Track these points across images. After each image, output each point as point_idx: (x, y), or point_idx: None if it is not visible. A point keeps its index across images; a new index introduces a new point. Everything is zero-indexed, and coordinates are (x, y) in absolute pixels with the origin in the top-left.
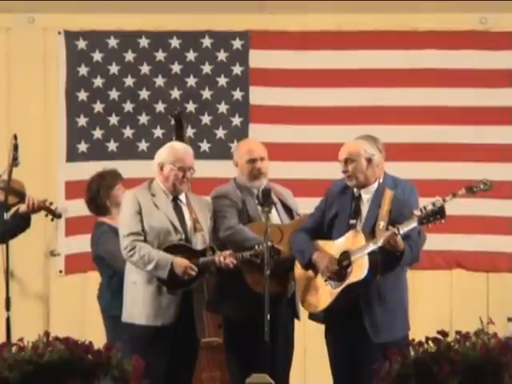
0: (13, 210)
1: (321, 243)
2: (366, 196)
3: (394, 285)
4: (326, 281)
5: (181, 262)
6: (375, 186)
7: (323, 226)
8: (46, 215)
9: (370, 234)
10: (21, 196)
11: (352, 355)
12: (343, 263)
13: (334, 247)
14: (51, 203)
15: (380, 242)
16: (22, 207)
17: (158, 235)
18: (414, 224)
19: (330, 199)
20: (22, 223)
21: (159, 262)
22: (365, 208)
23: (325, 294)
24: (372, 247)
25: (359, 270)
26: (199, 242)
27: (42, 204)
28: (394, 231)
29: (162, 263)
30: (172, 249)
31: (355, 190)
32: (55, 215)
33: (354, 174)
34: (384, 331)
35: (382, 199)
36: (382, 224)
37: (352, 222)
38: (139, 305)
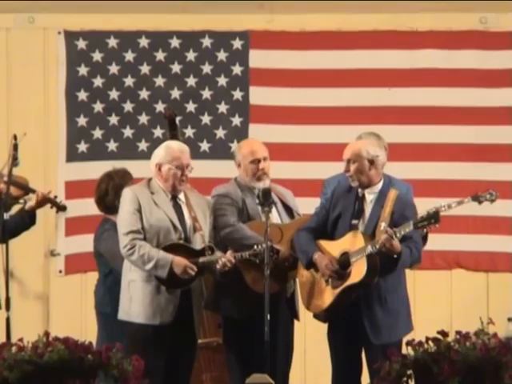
0: (17, 208)
1: (323, 243)
2: (370, 196)
3: (396, 286)
4: (326, 281)
5: (180, 262)
6: (379, 186)
7: (327, 226)
8: (51, 207)
9: (372, 235)
10: (25, 188)
11: (353, 355)
12: (343, 264)
13: (334, 247)
14: (55, 196)
15: (377, 245)
16: (29, 203)
17: (158, 233)
18: (411, 227)
19: (335, 199)
20: (28, 220)
21: (159, 262)
22: (368, 208)
23: (326, 294)
24: (369, 249)
25: (358, 272)
26: (198, 241)
27: (47, 196)
28: (391, 234)
29: (161, 262)
30: (170, 248)
31: (359, 190)
32: (60, 207)
33: (356, 175)
34: (385, 333)
35: (386, 200)
36: (383, 225)
37: (354, 222)
38: (137, 303)
